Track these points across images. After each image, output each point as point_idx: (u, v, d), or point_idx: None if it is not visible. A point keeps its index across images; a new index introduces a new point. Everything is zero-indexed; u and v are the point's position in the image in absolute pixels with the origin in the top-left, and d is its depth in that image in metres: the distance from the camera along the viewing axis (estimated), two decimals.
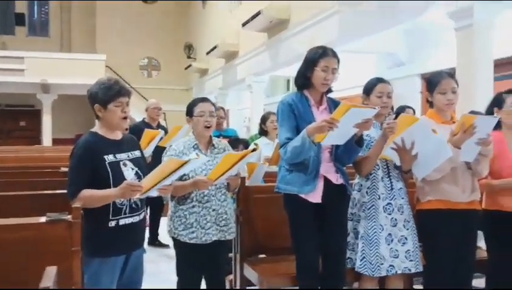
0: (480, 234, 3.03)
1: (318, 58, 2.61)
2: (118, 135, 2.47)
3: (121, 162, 2.37)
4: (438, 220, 2.74)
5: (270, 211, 3.06)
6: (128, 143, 2.51)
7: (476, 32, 5.56)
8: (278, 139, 2.74)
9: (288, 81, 12.79)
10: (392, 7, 6.53)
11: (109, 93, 2.34)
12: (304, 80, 2.68)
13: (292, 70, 2.75)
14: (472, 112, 3.35)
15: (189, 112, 2.86)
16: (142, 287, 2.60)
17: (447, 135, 2.64)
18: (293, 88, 13.28)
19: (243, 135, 9.59)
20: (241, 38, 11.43)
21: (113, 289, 2.37)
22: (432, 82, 2.84)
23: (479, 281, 3.38)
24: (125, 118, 2.39)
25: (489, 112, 3.05)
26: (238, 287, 3.18)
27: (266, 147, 4.54)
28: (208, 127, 2.80)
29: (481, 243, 3.11)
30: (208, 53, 12.86)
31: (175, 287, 2.87)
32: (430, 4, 6.00)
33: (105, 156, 2.33)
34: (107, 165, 2.31)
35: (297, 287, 2.76)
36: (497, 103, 3.03)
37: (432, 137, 2.58)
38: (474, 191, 2.81)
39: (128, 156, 2.42)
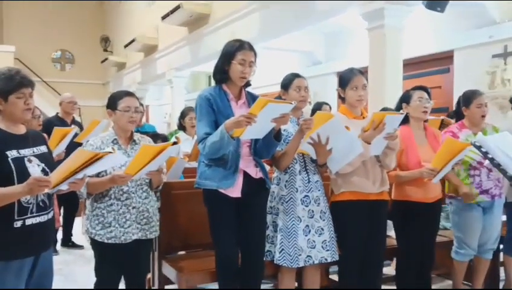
0: (389, 223, 3.20)
1: (235, 51, 2.60)
2: (21, 129, 2.29)
3: (26, 158, 2.20)
4: (351, 210, 2.86)
5: (190, 207, 3.02)
6: (34, 138, 2.34)
7: (387, 33, 5.85)
8: (196, 133, 2.68)
9: (209, 77, 12.70)
10: (310, 7, 6.69)
11: (10, 84, 2.17)
12: (221, 73, 2.67)
13: (213, 66, 2.72)
14: (384, 109, 3.53)
15: (112, 105, 2.66)
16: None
17: (358, 130, 2.75)
18: (214, 84, 13.18)
19: (163, 131, 9.38)
20: (161, 32, 11.18)
21: None
22: (344, 78, 2.96)
23: (389, 269, 3.57)
24: (28, 109, 2.23)
25: (398, 107, 3.23)
26: (156, 287, 3.11)
27: (185, 143, 4.48)
28: (132, 123, 2.67)
29: (391, 232, 3.28)
30: (125, 46, 12.42)
31: (92, 288, 2.73)
32: (346, 5, 6.22)
33: (8, 152, 2.15)
34: (10, 161, 2.14)
35: (216, 283, 2.75)
36: (405, 99, 3.22)
37: (345, 133, 2.69)
38: (384, 182, 2.96)
39: (33, 152, 2.25)
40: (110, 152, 2.19)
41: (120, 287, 2.72)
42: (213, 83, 2.69)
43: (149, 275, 3.27)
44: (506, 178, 2.49)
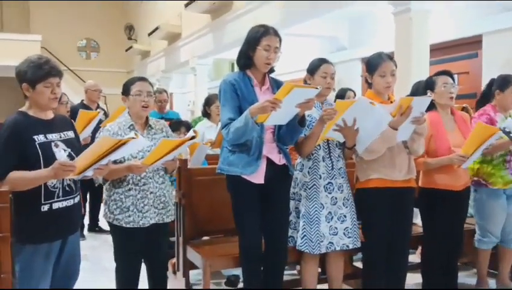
0: (416, 211, 3.15)
1: (260, 37, 2.58)
2: (49, 115, 2.33)
3: (52, 143, 2.24)
4: (376, 198, 2.82)
5: (212, 193, 3.04)
6: (61, 123, 2.38)
7: (413, 18, 5.72)
8: (220, 119, 2.68)
9: (232, 64, 12.70)
10: None
11: (38, 73, 2.20)
12: (246, 59, 2.65)
13: (236, 54, 2.70)
14: (411, 95, 3.46)
15: (126, 91, 2.70)
16: (81, 275, 2.50)
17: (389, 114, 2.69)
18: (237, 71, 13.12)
19: (187, 118, 9.43)
20: (184, 20, 11.19)
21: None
22: (371, 64, 2.89)
23: (413, 257, 3.53)
24: (54, 98, 2.26)
25: (424, 93, 3.15)
26: (181, 271, 3.15)
27: (209, 130, 4.49)
28: (146, 107, 2.68)
29: (417, 219, 3.24)
30: (149, 34, 12.49)
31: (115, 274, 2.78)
32: None
33: (35, 136, 2.19)
34: (37, 145, 2.18)
35: (240, 268, 2.77)
36: (429, 85, 3.14)
37: (371, 110, 2.63)
38: (411, 169, 2.90)
39: (60, 137, 2.29)
40: (133, 137, 2.21)
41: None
42: (236, 69, 2.68)
43: (174, 260, 3.31)
44: None
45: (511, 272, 3.48)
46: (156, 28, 11.71)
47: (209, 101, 4.78)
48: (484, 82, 4.75)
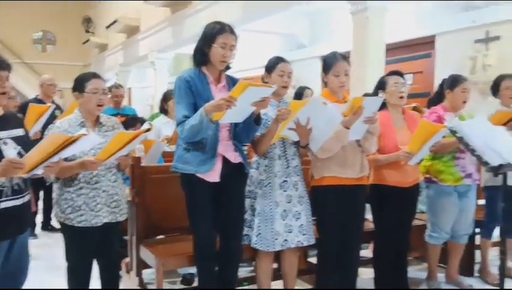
0: (368, 207, 3.22)
1: (215, 34, 2.57)
2: None
3: (1, 141, 2.16)
4: (330, 195, 2.87)
5: (167, 191, 3.00)
6: (10, 120, 2.29)
7: (370, 17, 5.83)
8: (175, 116, 2.65)
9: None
10: None
11: None
12: (201, 56, 2.63)
13: None
14: (365, 95, 3.53)
15: (79, 87, 2.60)
16: (29, 275, 2.42)
17: (341, 114, 2.74)
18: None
19: (146, 113, 9.29)
20: (143, 13, 11.01)
21: None
22: (326, 64, 2.95)
23: (366, 252, 3.62)
24: (3, 93, 2.17)
25: (375, 94, 3.23)
26: (134, 271, 3.10)
27: (166, 126, 4.43)
28: (101, 106, 2.60)
29: (369, 215, 3.31)
30: (107, 27, 12.22)
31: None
32: None
33: None
34: None
35: (194, 267, 2.76)
36: (381, 85, 3.22)
37: (324, 110, 2.68)
38: (364, 168, 2.96)
39: (9, 135, 2.21)
40: (85, 134, 2.16)
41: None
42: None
43: (127, 259, 3.26)
44: (481, 163, 2.52)
45: (459, 266, 3.61)
46: (115, 21, 11.47)
47: (166, 97, 4.72)
48: (437, 81, 4.89)
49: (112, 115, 2.84)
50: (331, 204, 2.87)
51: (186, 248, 2.77)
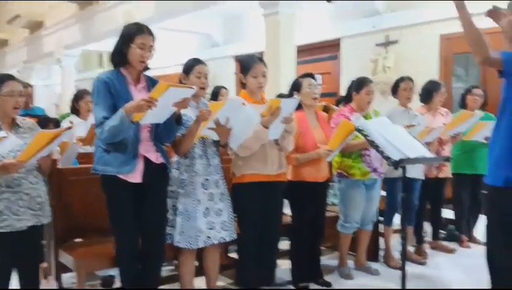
0: (285, 201, 3.40)
1: (133, 35, 2.57)
2: None
3: None
4: (250, 192, 3.00)
5: (86, 193, 2.95)
6: None
7: (281, 20, 6.06)
8: (94, 118, 2.62)
9: (101, 56, 12.18)
10: None
11: None
12: (120, 57, 2.62)
13: (106, 45, 2.65)
14: (280, 96, 3.71)
15: None
16: None
17: (259, 114, 2.87)
18: (107, 64, 12.66)
19: (51, 112, 8.85)
20: (48, 8, 10.45)
21: None
22: (245, 65, 3.06)
23: (285, 243, 3.80)
24: None
25: (290, 95, 3.42)
26: (52, 275, 3.01)
27: (79, 127, 4.29)
28: (17, 108, 2.51)
29: (286, 210, 3.49)
30: (8, 22, 11.43)
31: None
32: None
33: None
34: None
35: (117, 268, 2.74)
36: (295, 87, 3.42)
37: (242, 110, 2.80)
38: (282, 165, 3.13)
39: None
40: (5, 136, 2.08)
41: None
42: (106, 62, 2.63)
43: (45, 264, 3.15)
44: (383, 158, 2.78)
45: (366, 252, 3.92)
46: (17, 16, 10.76)
47: (78, 97, 4.56)
48: (343, 82, 5.22)
49: (21, 116, 2.72)
50: (251, 200, 3.00)
51: (108, 250, 2.74)
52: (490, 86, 5.41)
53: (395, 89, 4.05)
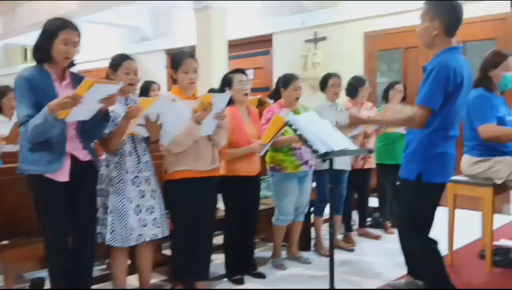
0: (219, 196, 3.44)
1: (57, 30, 2.49)
2: None
3: None
4: (183, 188, 3.01)
5: (12, 194, 2.82)
6: None
7: (212, 15, 6.07)
8: (17, 116, 2.52)
9: (25, 50, 11.60)
10: None
11: None
12: (43, 53, 2.53)
13: (30, 39, 2.53)
14: (211, 90, 3.74)
15: None
16: None
17: (190, 110, 2.89)
18: (31, 58, 12.02)
19: None
20: None
21: None
22: (175, 61, 3.06)
23: (219, 238, 3.84)
24: None
25: (222, 91, 3.46)
26: None
27: (1, 125, 4.10)
28: None
29: (220, 204, 3.53)
30: None
31: None
32: None
33: None
34: None
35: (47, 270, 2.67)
36: (226, 83, 3.46)
37: (172, 106, 2.81)
38: (215, 160, 3.16)
39: None
40: None
41: None
42: (29, 57, 2.52)
43: None
44: (312, 151, 2.89)
45: (299, 243, 4.05)
46: None
47: (0, 94, 4.35)
48: (275, 77, 5.33)
49: None
50: (184, 196, 3.01)
51: (36, 251, 2.66)
52: (409, 81, 5.76)
53: (323, 85, 4.19)
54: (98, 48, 8.27)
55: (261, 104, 5.01)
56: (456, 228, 3.72)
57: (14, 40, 9.40)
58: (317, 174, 4.00)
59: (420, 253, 2.85)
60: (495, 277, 3.48)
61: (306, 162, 3.71)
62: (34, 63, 2.61)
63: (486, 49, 3.65)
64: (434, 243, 2.85)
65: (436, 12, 2.68)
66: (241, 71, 3.50)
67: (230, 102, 3.32)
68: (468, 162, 3.54)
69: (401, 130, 4.35)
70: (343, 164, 4.04)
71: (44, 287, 3.32)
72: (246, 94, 3.47)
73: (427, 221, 2.83)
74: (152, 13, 8.79)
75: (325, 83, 4.16)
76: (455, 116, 2.73)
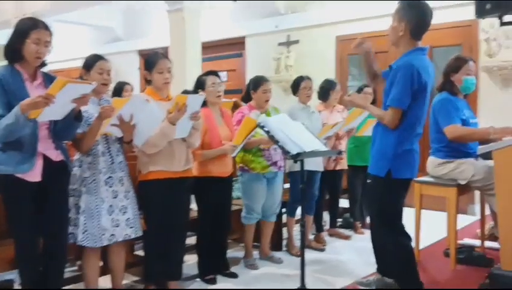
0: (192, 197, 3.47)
1: (28, 30, 2.49)
2: None
3: None
4: (157, 188, 3.02)
5: None
6: None
7: (186, 17, 6.08)
8: None
9: None
10: None
11: None
12: (14, 52, 2.52)
13: (1, 36, 2.50)
14: (185, 92, 3.77)
15: None
16: None
17: (165, 112, 2.90)
18: (2, 58, 11.72)
19: None
20: None
21: None
22: (149, 62, 3.08)
23: (191, 239, 3.86)
24: None
25: (195, 93, 3.48)
26: None
27: None
28: None
29: (193, 205, 3.56)
30: None
31: None
32: None
33: None
34: None
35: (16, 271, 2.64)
36: (200, 85, 3.50)
37: (146, 106, 2.82)
38: (188, 161, 3.19)
39: None
40: None
41: None
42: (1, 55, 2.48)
43: None
44: (283, 152, 2.95)
45: (271, 243, 4.11)
46: None
47: None
48: (248, 79, 5.39)
49: None
50: (157, 197, 3.02)
51: (5, 253, 2.63)
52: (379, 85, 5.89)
53: (295, 88, 4.24)
54: (69, 47, 8.17)
55: (236, 107, 5.05)
56: (423, 228, 3.84)
57: None
58: (291, 175, 4.06)
59: (391, 248, 2.95)
60: (458, 273, 3.61)
61: (275, 163, 3.77)
62: (1, 62, 2.59)
63: (453, 55, 3.79)
64: (407, 238, 2.96)
65: (404, 14, 2.80)
66: (214, 73, 3.54)
67: (204, 104, 3.35)
68: (433, 164, 3.66)
69: (371, 133, 4.45)
70: (316, 164, 4.11)
71: (14, 289, 3.28)
72: (219, 96, 3.52)
73: (397, 215, 2.95)
74: (124, 13, 8.73)
75: (297, 85, 4.22)
76: (421, 115, 2.85)
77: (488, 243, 4.10)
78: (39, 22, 2.54)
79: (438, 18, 5.77)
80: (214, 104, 3.52)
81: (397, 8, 2.85)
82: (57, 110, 2.42)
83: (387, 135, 2.86)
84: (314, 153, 3.07)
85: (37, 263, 2.62)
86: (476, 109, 5.32)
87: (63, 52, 7.54)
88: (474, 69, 3.62)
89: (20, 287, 2.66)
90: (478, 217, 4.17)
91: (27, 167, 2.48)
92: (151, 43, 7.95)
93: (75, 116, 2.59)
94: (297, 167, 3.73)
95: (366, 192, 4.92)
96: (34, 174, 2.52)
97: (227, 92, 5.72)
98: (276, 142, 2.93)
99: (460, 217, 3.76)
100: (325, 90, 4.48)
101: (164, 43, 6.59)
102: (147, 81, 3.12)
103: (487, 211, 3.89)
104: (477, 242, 4.15)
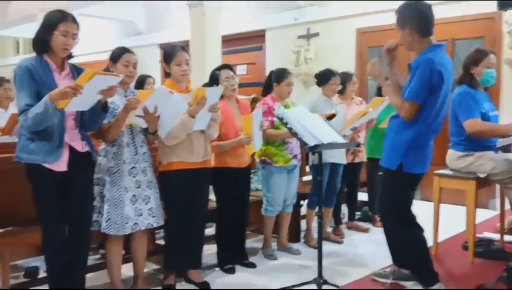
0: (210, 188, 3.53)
1: (57, 22, 2.55)
2: None
3: None
4: (177, 179, 3.10)
5: (10, 182, 2.88)
6: None
7: (206, 12, 6.13)
8: (17, 105, 2.57)
9: (18, 42, 11.57)
10: None
11: None
12: (42, 44, 2.59)
13: (22, 31, 2.58)
14: (205, 85, 3.83)
15: None
16: None
17: (186, 102, 2.97)
18: (23, 50, 12.01)
19: None
20: None
21: None
22: (167, 55, 3.15)
23: (210, 230, 3.94)
24: None
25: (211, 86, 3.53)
26: None
27: None
28: None
29: (212, 196, 3.62)
30: None
31: None
32: None
33: None
34: None
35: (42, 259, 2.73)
36: (214, 79, 3.56)
37: (170, 98, 2.88)
38: (207, 152, 3.25)
39: None
40: None
41: None
42: (22, 48, 2.55)
43: None
44: (302, 144, 2.98)
45: (288, 234, 4.16)
46: None
47: None
48: (268, 72, 5.44)
49: None
50: (178, 188, 3.10)
51: (32, 239, 2.72)
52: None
53: (323, 80, 4.19)
54: (92, 41, 8.30)
55: (255, 102, 5.09)
56: (442, 222, 3.84)
57: (5, 32, 9.38)
58: (314, 168, 4.08)
59: (403, 239, 2.98)
60: (476, 266, 3.61)
61: (296, 156, 3.81)
62: (26, 55, 2.67)
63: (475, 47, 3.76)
64: (419, 229, 2.97)
65: (405, 20, 2.83)
66: (228, 67, 3.61)
67: (220, 97, 3.40)
68: (452, 157, 3.65)
69: None
70: (340, 157, 4.14)
71: (39, 276, 3.39)
72: (234, 89, 3.58)
73: (406, 207, 2.97)
74: (146, 7, 8.83)
75: (326, 79, 4.17)
76: (438, 110, 2.85)
77: (508, 237, 4.08)
78: (68, 15, 2.61)
79: (460, 10, 5.71)
80: (229, 97, 3.58)
81: (396, 19, 2.88)
82: (84, 101, 2.49)
83: (403, 129, 2.88)
84: (332, 145, 3.10)
85: (62, 251, 2.69)
86: (499, 101, 5.26)
87: (86, 46, 7.67)
88: (494, 62, 3.60)
89: (45, 275, 2.73)
90: (499, 211, 4.14)
91: (55, 157, 2.55)
92: (172, 36, 8.03)
93: (102, 108, 2.66)
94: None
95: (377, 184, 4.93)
96: (61, 164, 2.58)
97: (246, 85, 5.77)
98: (295, 134, 2.97)
99: (481, 211, 3.75)
100: (341, 83, 4.47)
101: (185, 37, 6.66)
102: (166, 74, 3.19)
103: (507, 206, 3.87)
104: (496, 236, 4.13)
